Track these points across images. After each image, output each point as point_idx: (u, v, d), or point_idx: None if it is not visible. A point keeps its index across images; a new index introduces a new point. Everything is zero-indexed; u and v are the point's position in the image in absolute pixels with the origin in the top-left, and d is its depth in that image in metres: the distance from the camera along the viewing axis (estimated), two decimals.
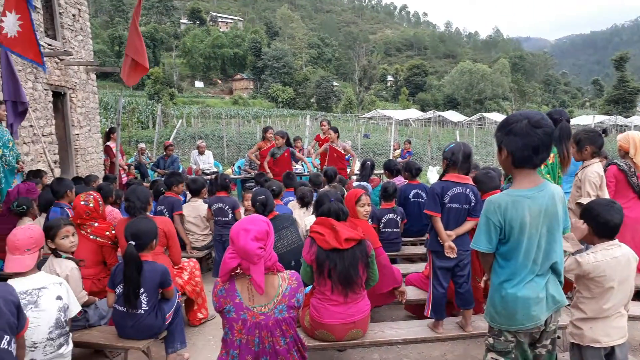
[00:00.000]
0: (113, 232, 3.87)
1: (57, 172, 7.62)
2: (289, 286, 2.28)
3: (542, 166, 3.72)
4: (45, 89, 7.96)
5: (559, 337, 2.32)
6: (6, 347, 1.95)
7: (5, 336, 1.94)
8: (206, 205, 5.45)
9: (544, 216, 2.07)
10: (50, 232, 3.28)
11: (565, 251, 2.43)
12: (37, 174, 5.84)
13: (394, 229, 5.02)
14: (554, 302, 2.16)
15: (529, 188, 2.08)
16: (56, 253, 3.31)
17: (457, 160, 3.25)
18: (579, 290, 2.61)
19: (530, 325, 2.13)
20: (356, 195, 3.70)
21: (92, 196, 3.85)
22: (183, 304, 4.02)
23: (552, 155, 3.74)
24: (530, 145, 2.00)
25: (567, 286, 2.74)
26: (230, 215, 5.28)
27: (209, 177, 8.36)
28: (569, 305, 3.24)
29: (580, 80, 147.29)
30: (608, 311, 2.50)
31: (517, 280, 2.11)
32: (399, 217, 5.04)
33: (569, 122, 3.74)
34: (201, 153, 10.41)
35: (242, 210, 5.42)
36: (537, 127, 1.99)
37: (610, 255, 2.51)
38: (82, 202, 3.76)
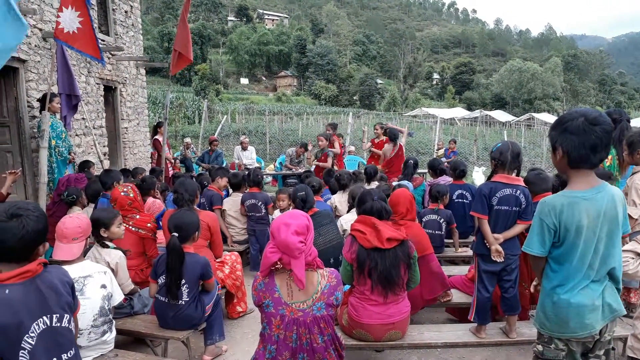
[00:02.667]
0: (155, 223, 3.95)
1: (106, 163, 7.89)
2: (328, 284, 2.24)
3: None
4: (97, 83, 8.25)
5: (613, 348, 2.17)
6: (67, 325, 2.02)
7: (66, 315, 2.01)
8: None
9: (603, 219, 1.95)
10: (107, 220, 3.38)
11: (633, 252, 2.29)
12: (85, 165, 6.05)
13: (436, 231, 4.88)
14: (610, 311, 2.02)
15: (587, 189, 1.96)
16: (103, 243, 3.40)
17: (505, 160, 3.12)
18: None
19: (584, 334, 2.00)
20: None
21: (129, 187, 3.96)
22: (223, 297, 4.06)
23: (609, 157, 3.54)
24: (588, 143, 1.89)
25: None
26: (263, 211, 5.33)
27: None
28: (626, 315, 3.05)
29: (638, 81, 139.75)
30: None
31: (571, 286, 1.99)
32: (442, 220, 4.88)
33: (629, 122, 3.53)
34: (244, 149, 10.54)
35: (277, 211, 5.42)
36: (594, 124, 1.88)
37: None
38: (122, 193, 3.85)
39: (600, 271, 2.00)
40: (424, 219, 4.90)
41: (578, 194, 1.96)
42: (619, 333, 2.97)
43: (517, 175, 3.18)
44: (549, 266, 2.08)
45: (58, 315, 1.96)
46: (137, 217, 3.89)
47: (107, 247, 3.40)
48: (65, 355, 2.00)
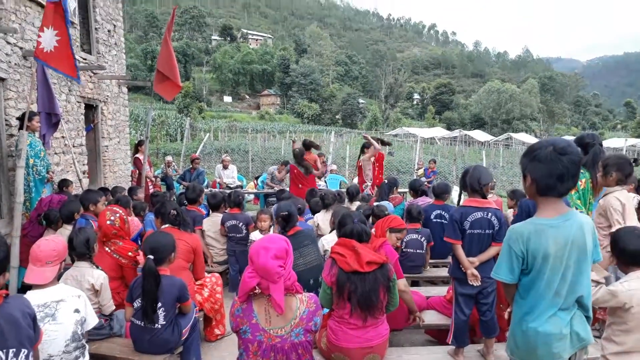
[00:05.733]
0: (136, 252, 3.88)
1: (85, 182, 7.78)
2: (307, 309, 2.24)
3: (573, 191, 3.60)
4: (78, 101, 8.18)
5: None
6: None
7: (23, 350, 1.95)
8: None
9: (571, 247, 1.97)
10: (91, 242, 3.34)
11: (592, 281, 2.33)
12: (63, 184, 5.96)
13: (417, 250, 4.92)
14: (578, 340, 2.04)
15: (554, 217, 1.99)
16: (91, 260, 3.35)
17: (466, 184, 3.20)
18: (614, 323, 2.49)
19: None
20: (395, 224, 3.81)
21: (118, 214, 3.86)
22: (201, 319, 4.01)
23: (583, 180, 3.63)
24: (555, 173, 1.93)
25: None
26: (244, 232, 5.29)
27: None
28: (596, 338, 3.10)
29: (611, 102, 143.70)
30: None
31: (538, 313, 2.01)
32: (423, 239, 4.93)
33: (601, 146, 3.63)
34: (225, 167, 10.52)
35: (257, 232, 5.34)
36: (562, 154, 1.92)
37: None
38: (109, 222, 3.78)
39: (568, 299, 2.02)
40: (405, 239, 4.93)
41: (545, 221, 2.00)
42: (586, 355, 3.00)
43: (484, 198, 3.21)
44: (518, 293, 2.11)
45: (15, 350, 1.89)
46: (120, 244, 3.83)
47: (98, 267, 3.36)
48: None
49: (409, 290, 3.56)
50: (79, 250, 3.28)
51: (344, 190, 7.47)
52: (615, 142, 36.33)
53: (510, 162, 27.25)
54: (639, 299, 2.37)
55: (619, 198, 3.50)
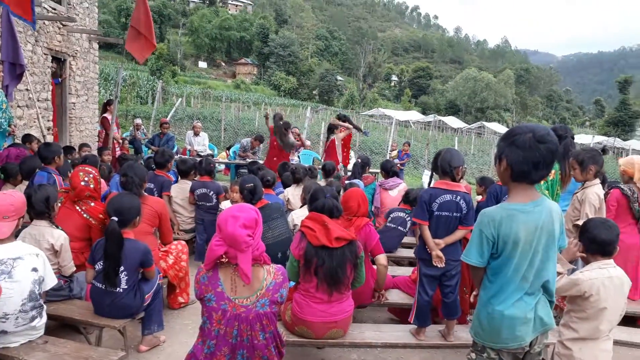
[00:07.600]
0: (106, 214, 3.75)
1: (50, 139, 7.48)
2: (274, 280, 2.22)
3: (542, 181, 3.67)
4: (45, 53, 7.81)
5: (543, 359, 2.27)
6: None
7: None
8: None
9: (540, 232, 2.00)
10: (51, 200, 3.20)
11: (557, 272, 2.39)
12: (26, 139, 5.72)
13: (399, 227, 4.97)
14: (541, 324, 2.09)
15: (525, 202, 2.00)
16: (51, 220, 3.22)
17: (437, 167, 3.23)
18: (572, 310, 2.57)
19: (514, 345, 2.07)
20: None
21: (91, 175, 3.67)
22: (164, 286, 3.95)
23: (553, 171, 3.69)
24: (531, 160, 1.92)
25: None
26: (214, 201, 5.21)
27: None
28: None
29: (582, 99, 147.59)
30: (601, 332, 2.47)
31: (504, 297, 2.04)
32: (408, 218, 4.97)
33: (573, 139, 3.69)
34: (196, 134, 10.29)
35: (227, 202, 5.28)
36: (541, 142, 1.91)
37: (605, 275, 2.48)
38: (83, 183, 3.59)
39: (535, 284, 2.05)
40: (392, 215, 4.97)
41: (517, 207, 2.01)
42: (546, 340, 3.11)
43: (454, 181, 3.23)
44: (486, 277, 2.13)
45: None
46: (92, 204, 3.67)
47: (58, 227, 3.23)
48: None
49: (387, 266, 3.56)
50: (37, 209, 3.14)
51: (316, 166, 7.46)
52: (582, 139, 37.39)
53: (482, 151, 27.74)
54: (598, 288, 2.45)
55: (598, 193, 3.62)
